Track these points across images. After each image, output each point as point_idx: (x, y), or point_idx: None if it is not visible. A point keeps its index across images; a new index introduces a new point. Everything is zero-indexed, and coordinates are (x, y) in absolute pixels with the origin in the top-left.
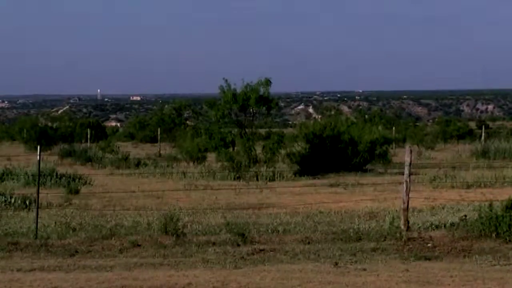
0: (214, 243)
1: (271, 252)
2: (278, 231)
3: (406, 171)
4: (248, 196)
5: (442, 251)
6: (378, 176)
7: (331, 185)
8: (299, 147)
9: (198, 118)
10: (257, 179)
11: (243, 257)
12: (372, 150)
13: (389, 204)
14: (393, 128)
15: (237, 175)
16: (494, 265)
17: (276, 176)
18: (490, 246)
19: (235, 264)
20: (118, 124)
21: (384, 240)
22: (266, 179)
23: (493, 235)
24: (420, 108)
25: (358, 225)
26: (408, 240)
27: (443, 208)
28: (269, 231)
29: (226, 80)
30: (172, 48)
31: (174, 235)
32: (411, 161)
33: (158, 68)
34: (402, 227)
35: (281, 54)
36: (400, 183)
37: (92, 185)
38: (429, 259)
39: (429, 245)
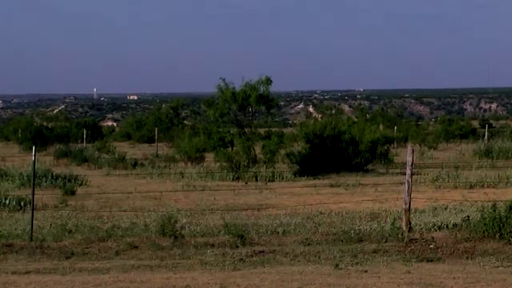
0: (212, 245)
1: (270, 254)
2: (278, 232)
3: (408, 171)
4: (247, 197)
5: (444, 252)
6: (379, 176)
7: (332, 186)
8: (299, 147)
9: (196, 117)
10: (257, 180)
11: (242, 259)
12: (373, 150)
13: (390, 204)
14: (395, 127)
15: (236, 176)
16: (498, 266)
17: (275, 176)
18: (493, 247)
19: (234, 266)
20: (115, 124)
21: (386, 241)
22: (266, 179)
23: (497, 236)
24: (422, 107)
25: (359, 226)
26: (410, 241)
27: (445, 208)
28: (269, 232)
29: (224, 80)
30: (169, 47)
31: (172, 237)
32: (413, 161)
33: (155, 67)
34: (404, 228)
35: (281, 52)
36: (402, 183)
37: (88, 186)
38: (432, 261)
39: (431, 246)
